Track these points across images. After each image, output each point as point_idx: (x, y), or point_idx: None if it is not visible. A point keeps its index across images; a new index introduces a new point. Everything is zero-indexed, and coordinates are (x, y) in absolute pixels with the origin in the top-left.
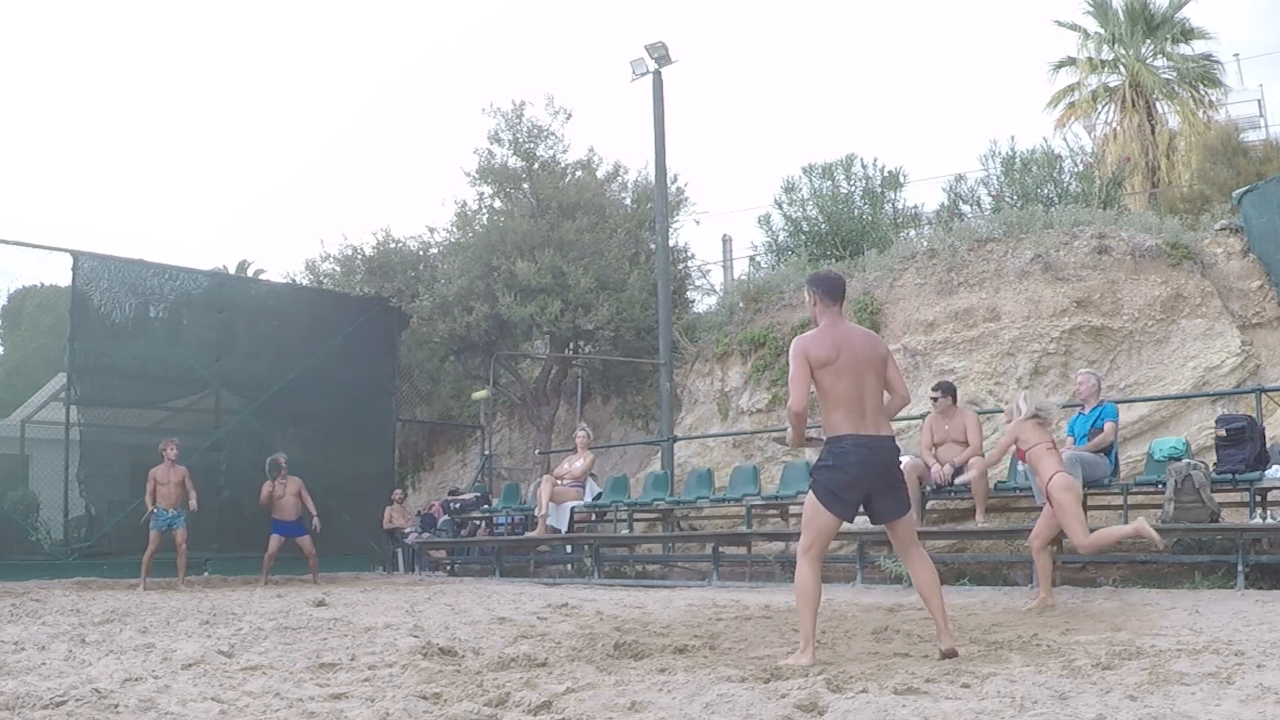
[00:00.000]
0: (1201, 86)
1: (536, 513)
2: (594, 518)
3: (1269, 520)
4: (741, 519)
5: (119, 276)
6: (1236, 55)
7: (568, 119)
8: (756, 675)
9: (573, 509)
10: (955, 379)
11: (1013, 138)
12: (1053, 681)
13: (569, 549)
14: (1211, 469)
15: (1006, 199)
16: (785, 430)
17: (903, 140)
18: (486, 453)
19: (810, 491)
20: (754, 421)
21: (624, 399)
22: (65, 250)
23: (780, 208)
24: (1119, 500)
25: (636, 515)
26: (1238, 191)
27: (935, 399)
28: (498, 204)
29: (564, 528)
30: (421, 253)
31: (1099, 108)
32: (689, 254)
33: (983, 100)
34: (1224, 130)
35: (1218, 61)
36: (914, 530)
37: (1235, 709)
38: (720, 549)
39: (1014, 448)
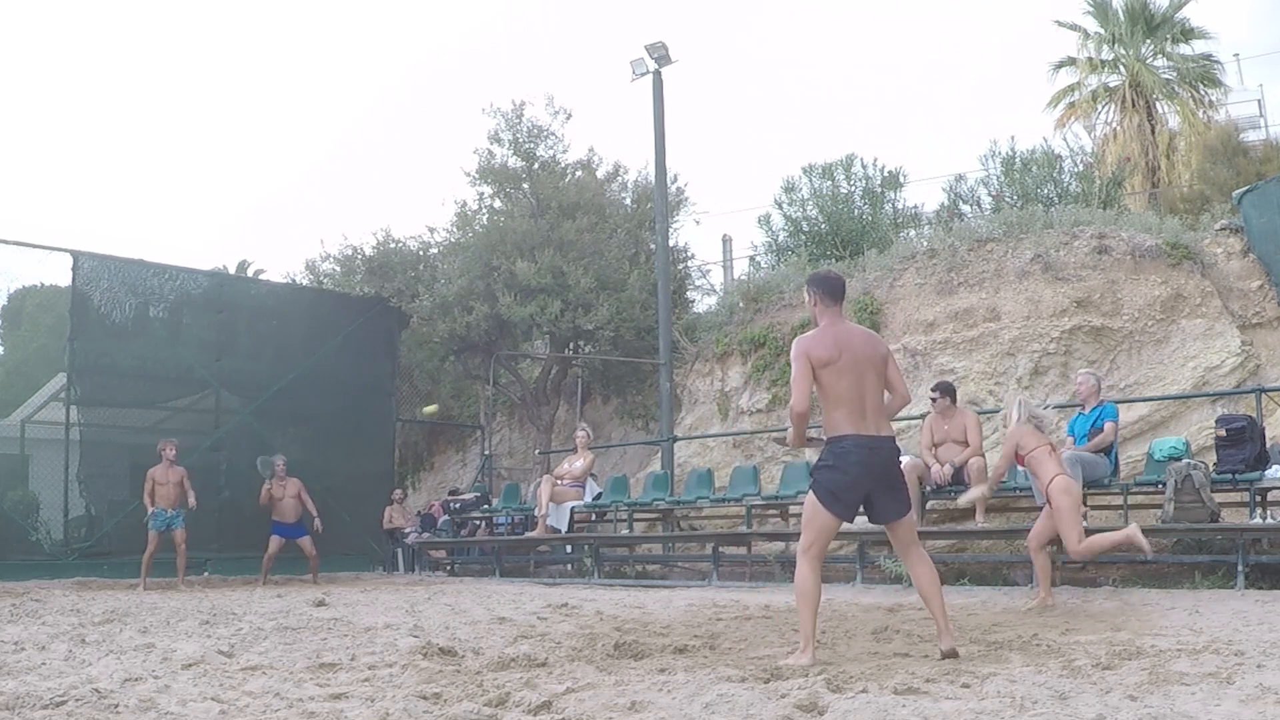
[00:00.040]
0: (1201, 86)
1: (536, 513)
2: (594, 518)
3: (1269, 520)
4: (741, 519)
5: (119, 276)
6: (1236, 55)
7: (568, 119)
8: (756, 675)
9: (573, 509)
10: (955, 379)
11: (1013, 138)
12: (1053, 681)
13: (569, 549)
14: (1211, 469)
15: (1006, 199)
16: (785, 430)
17: (903, 140)
18: (486, 453)
19: (810, 491)
20: (754, 421)
21: (624, 399)
22: (65, 250)
23: (780, 208)
24: (1119, 500)
25: (636, 515)
26: (1238, 191)
27: (934, 399)
28: (498, 204)
29: (564, 528)
30: (421, 253)
31: (1099, 108)
32: (689, 254)
33: (983, 100)
34: (1224, 130)
35: (1218, 61)
36: (914, 530)
37: (1235, 709)
38: (720, 549)
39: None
